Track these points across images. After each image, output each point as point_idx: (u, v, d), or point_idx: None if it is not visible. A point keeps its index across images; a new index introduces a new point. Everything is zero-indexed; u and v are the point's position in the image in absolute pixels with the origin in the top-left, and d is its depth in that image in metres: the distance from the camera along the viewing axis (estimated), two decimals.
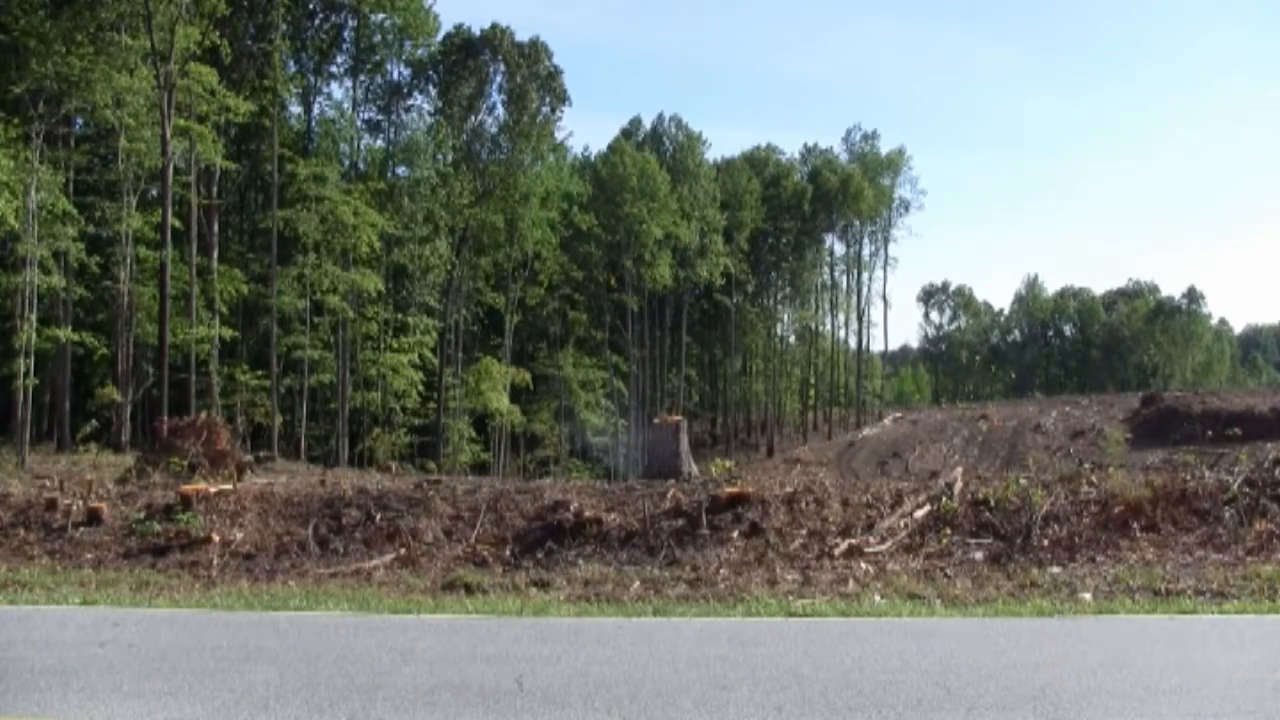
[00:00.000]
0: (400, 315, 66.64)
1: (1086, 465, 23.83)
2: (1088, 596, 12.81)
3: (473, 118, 71.79)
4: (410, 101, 71.26)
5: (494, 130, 72.45)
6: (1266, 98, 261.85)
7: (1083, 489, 17.54)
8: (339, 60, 68.63)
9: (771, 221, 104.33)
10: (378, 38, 67.86)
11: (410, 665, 9.33)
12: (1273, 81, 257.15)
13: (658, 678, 8.89)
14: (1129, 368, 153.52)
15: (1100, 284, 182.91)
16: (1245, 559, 14.60)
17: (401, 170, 70.27)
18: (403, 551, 16.34)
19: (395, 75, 70.81)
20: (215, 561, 16.21)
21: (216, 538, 17.06)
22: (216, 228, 55.86)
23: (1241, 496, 16.63)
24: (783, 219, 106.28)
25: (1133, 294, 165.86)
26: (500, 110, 72.19)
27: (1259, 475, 17.45)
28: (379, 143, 71.66)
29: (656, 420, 27.80)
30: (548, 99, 72.92)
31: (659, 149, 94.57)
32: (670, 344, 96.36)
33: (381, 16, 66.81)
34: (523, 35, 71.98)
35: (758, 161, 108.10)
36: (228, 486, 19.51)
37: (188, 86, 47.36)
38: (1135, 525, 16.00)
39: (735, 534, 16.20)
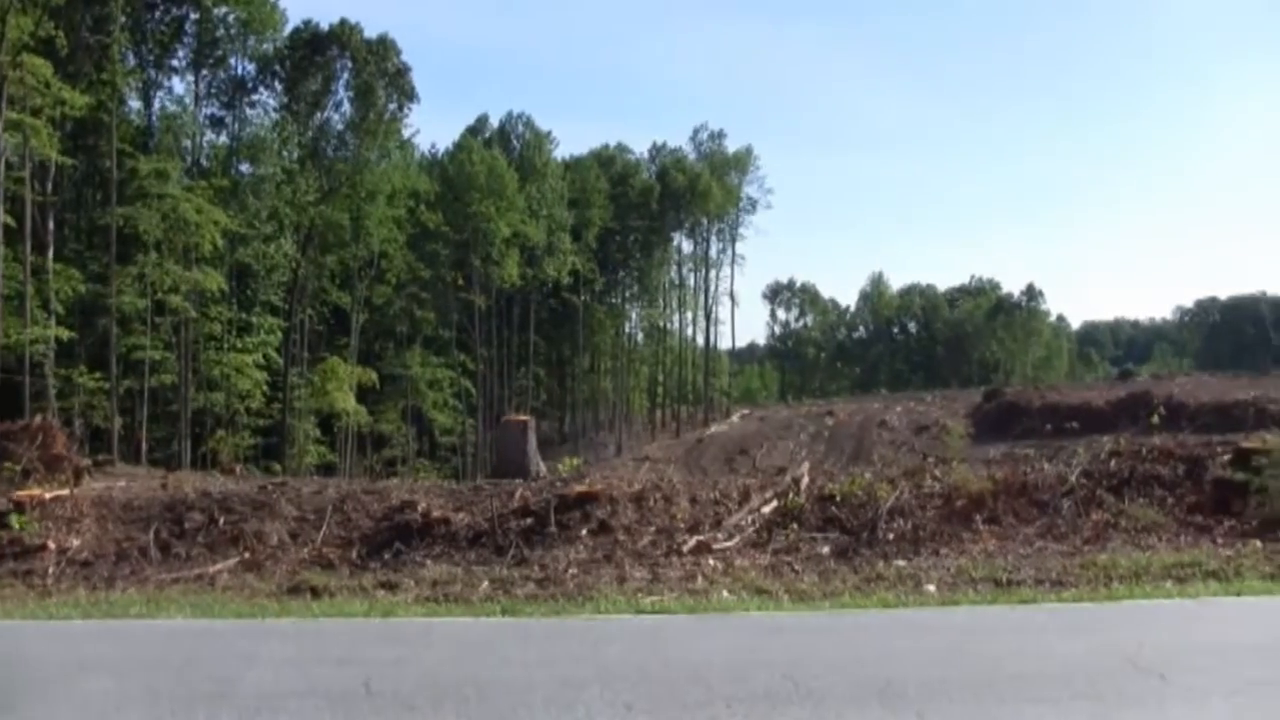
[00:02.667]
0: (244, 315, 65.39)
1: (930, 460, 24.18)
2: (932, 588, 13.01)
3: (319, 114, 71.01)
4: (255, 97, 70.03)
5: (341, 127, 71.84)
6: (1104, 100, 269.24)
7: (927, 483, 17.79)
8: (180, 54, 66.81)
9: (620, 220, 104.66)
10: (221, 31, 66.35)
11: (255, 671, 9.16)
12: (1114, 84, 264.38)
13: (507, 678, 8.86)
14: (972, 363, 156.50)
15: (943, 281, 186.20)
16: (1082, 548, 14.94)
17: (246, 167, 68.86)
18: (247, 555, 16.04)
19: (239, 70, 69.41)
20: (51, 570, 15.74)
21: (52, 545, 16.56)
22: (52, 225, 54.12)
23: (1079, 488, 17.01)
24: (631, 217, 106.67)
25: (975, 291, 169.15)
26: (347, 107, 71.60)
27: (1095, 467, 17.88)
28: (222, 139, 70.28)
29: (504, 419, 27.72)
30: (395, 96, 72.44)
31: (507, 147, 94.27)
32: (518, 343, 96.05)
33: (224, 10, 65.29)
34: (371, 32, 71.44)
35: (606, 160, 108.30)
36: (64, 492, 18.94)
37: (21, 79, 45.95)
38: (978, 518, 16.28)
39: (584, 532, 16.16)
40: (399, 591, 13.71)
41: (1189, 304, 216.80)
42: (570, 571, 14.44)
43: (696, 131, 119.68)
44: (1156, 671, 8.52)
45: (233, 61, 68.84)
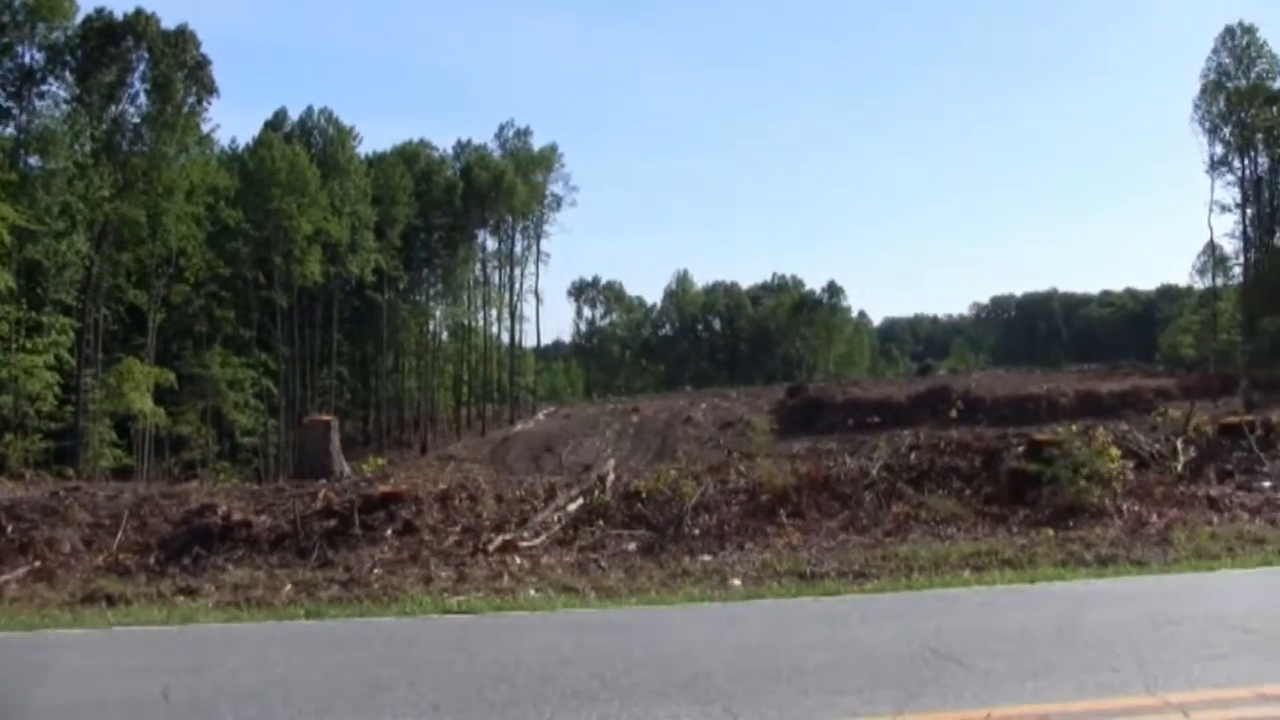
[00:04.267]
0: (34, 314, 62.98)
1: (735, 455, 24.38)
2: (737, 582, 13.14)
3: (114, 107, 68.83)
4: (45, 88, 67.18)
5: (136, 120, 69.66)
6: (907, 100, 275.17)
7: (732, 479, 17.96)
8: None
9: (424, 217, 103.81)
10: (6, 18, 63.68)
11: (47, 684, 8.88)
12: (917, 84, 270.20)
13: (311, 681, 8.73)
14: (775, 360, 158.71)
15: (747, 279, 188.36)
16: (884, 540, 15.23)
17: (34, 161, 66.14)
18: (38, 564, 15.51)
19: (27, 59, 66.47)
20: None
21: None
22: None
23: (880, 481, 17.34)
24: (435, 214, 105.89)
25: (778, 289, 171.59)
26: (144, 100, 69.47)
27: (895, 460, 18.24)
28: (9, 131, 67.31)
29: (307, 419, 27.29)
30: (194, 89, 70.60)
31: (309, 143, 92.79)
32: (321, 341, 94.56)
33: None
34: (169, 22, 69.47)
35: (410, 156, 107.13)
36: None
37: None
38: (782, 512, 16.48)
39: (389, 532, 15.99)
40: (199, 597, 13.40)
41: (985, 301, 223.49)
42: (375, 572, 14.27)
43: (502, 128, 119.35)
44: (955, 657, 8.72)
45: (20, 50, 65.97)
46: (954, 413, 27.65)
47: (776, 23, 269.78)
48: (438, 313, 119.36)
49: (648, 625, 10.99)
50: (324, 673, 9.06)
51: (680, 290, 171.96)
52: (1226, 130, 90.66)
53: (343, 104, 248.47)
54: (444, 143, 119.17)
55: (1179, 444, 18.55)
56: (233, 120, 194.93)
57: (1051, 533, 15.04)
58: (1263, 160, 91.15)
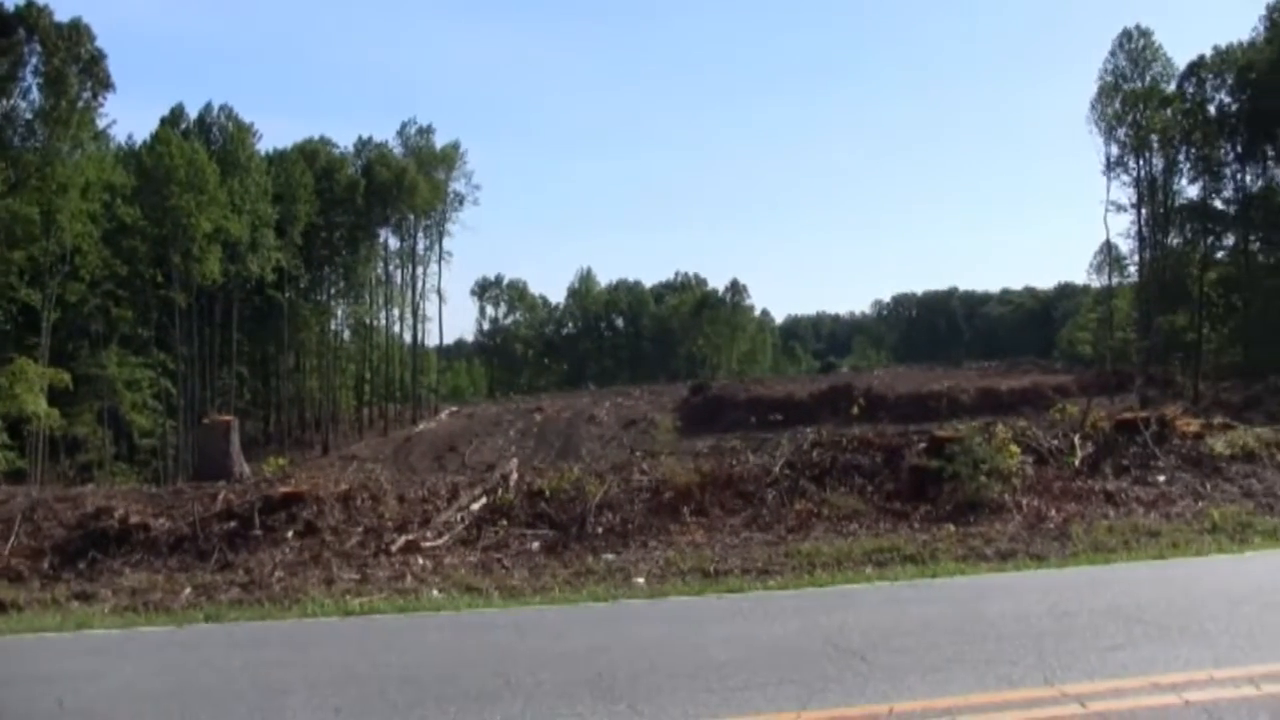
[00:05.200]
0: None
1: (638, 454, 24.44)
2: (641, 580, 13.16)
3: (4, 101, 67.47)
4: None
5: (29, 116, 68.35)
6: (808, 101, 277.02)
7: (635, 477, 17.97)
8: None
9: (325, 215, 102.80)
10: None
11: None
12: (819, 85, 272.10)
13: (210, 686, 8.62)
14: (679, 358, 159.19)
15: (650, 278, 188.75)
16: (787, 537, 15.31)
17: None
18: None
19: None
20: None
21: None
22: None
23: (783, 479, 17.43)
24: (337, 213, 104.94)
25: (680, 287, 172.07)
26: (36, 94, 68.18)
27: (798, 458, 18.33)
28: None
29: (206, 420, 26.96)
30: (89, 84, 69.38)
31: (208, 139, 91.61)
32: (221, 341, 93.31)
33: None
34: (62, 15, 68.16)
35: (311, 154, 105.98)
36: None
37: None
38: (685, 510, 16.52)
39: (290, 534, 15.84)
40: (95, 602, 13.20)
41: (887, 299, 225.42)
42: (276, 574, 14.14)
43: (404, 126, 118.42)
44: (858, 653, 8.78)
45: None
46: (856, 410, 28.00)
47: (679, 23, 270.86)
48: (339, 312, 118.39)
49: (552, 624, 10.96)
50: (223, 676, 8.95)
51: (584, 289, 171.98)
52: (1122, 132, 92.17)
53: (242, 101, 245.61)
54: (345, 140, 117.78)
55: (1077, 440, 18.82)
56: (129, 116, 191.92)
57: (952, 528, 15.20)
58: (1157, 161, 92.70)
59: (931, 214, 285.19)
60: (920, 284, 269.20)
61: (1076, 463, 18.07)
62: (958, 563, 13.23)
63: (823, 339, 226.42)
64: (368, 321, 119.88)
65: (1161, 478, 17.53)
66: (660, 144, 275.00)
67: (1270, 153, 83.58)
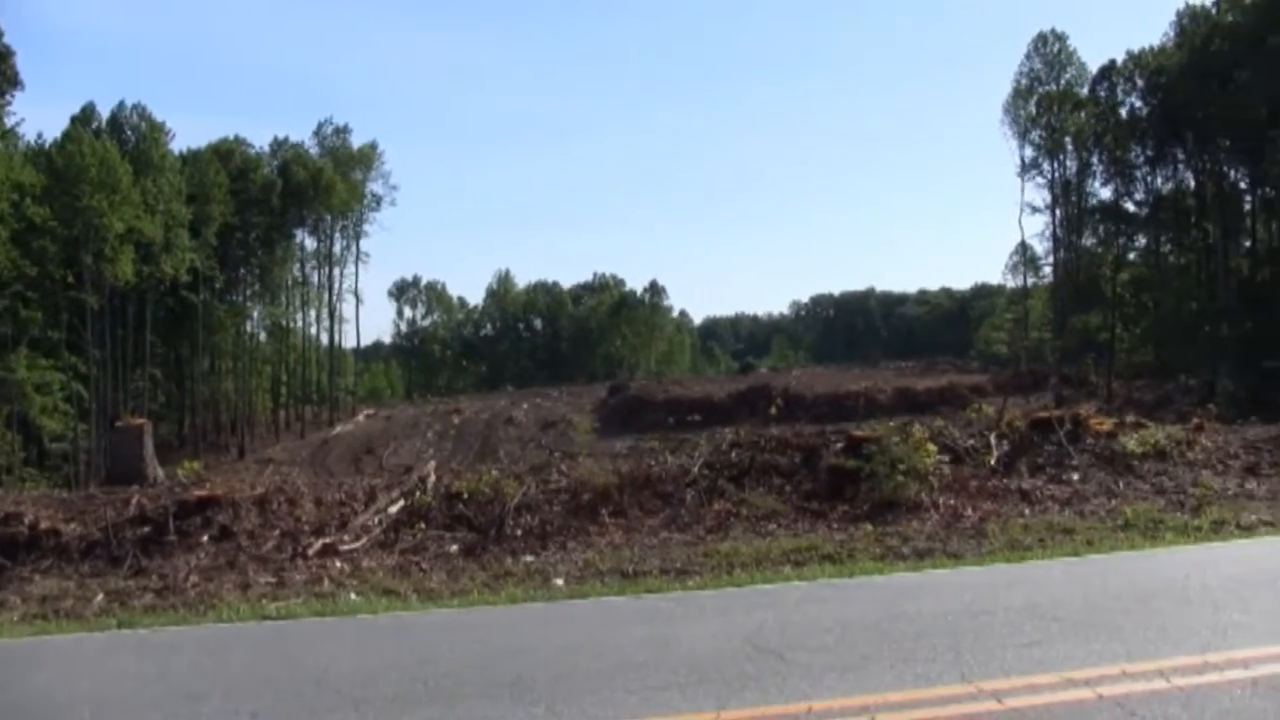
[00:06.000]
0: None
1: (557, 455, 24.44)
2: (560, 582, 13.14)
3: None
4: None
5: None
6: (727, 102, 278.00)
7: (554, 478, 17.99)
8: None
9: (241, 216, 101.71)
10: None
11: None
12: (737, 87, 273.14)
13: (124, 694, 8.52)
14: (597, 359, 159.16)
15: (569, 278, 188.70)
16: (705, 537, 15.37)
17: None
18: None
19: None
20: None
21: None
22: None
23: (701, 479, 17.50)
24: (252, 213, 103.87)
25: (599, 288, 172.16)
26: None
27: (716, 458, 18.42)
28: None
29: (119, 423, 26.61)
30: None
31: (120, 138, 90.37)
32: (134, 343, 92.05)
33: None
34: None
35: (225, 154, 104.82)
36: None
37: None
38: (604, 511, 16.54)
39: (205, 538, 15.68)
40: (3, 610, 12.98)
41: (805, 299, 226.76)
42: (191, 580, 13.99)
43: (320, 126, 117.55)
44: (776, 652, 8.82)
45: None
46: (774, 410, 28.03)
47: (598, 22, 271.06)
48: (255, 313, 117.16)
49: (470, 627, 10.93)
50: (137, 684, 8.84)
51: (502, 290, 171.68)
52: (1036, 134, 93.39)
53: (155, 99, 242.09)
54: (260, 140, 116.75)
55: (993, 439, 19.06)
56: (39, 115, 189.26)
57: (870, 527, 15.32)
58: (1071, 164, 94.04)
59: (849, 215, 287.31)
60: (838, 285, 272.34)
61: (992, 462, 18.30)
62: (875, 561, 13.32)
63: (741, 339, 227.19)
64: (284, 323, 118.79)
65: (1076, 476, 17.78)
66: (578, 145, 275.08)
67: (1180, 156, 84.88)
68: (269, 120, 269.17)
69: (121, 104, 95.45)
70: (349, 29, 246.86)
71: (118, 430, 24.66)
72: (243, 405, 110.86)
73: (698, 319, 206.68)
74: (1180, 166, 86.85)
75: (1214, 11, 79.29)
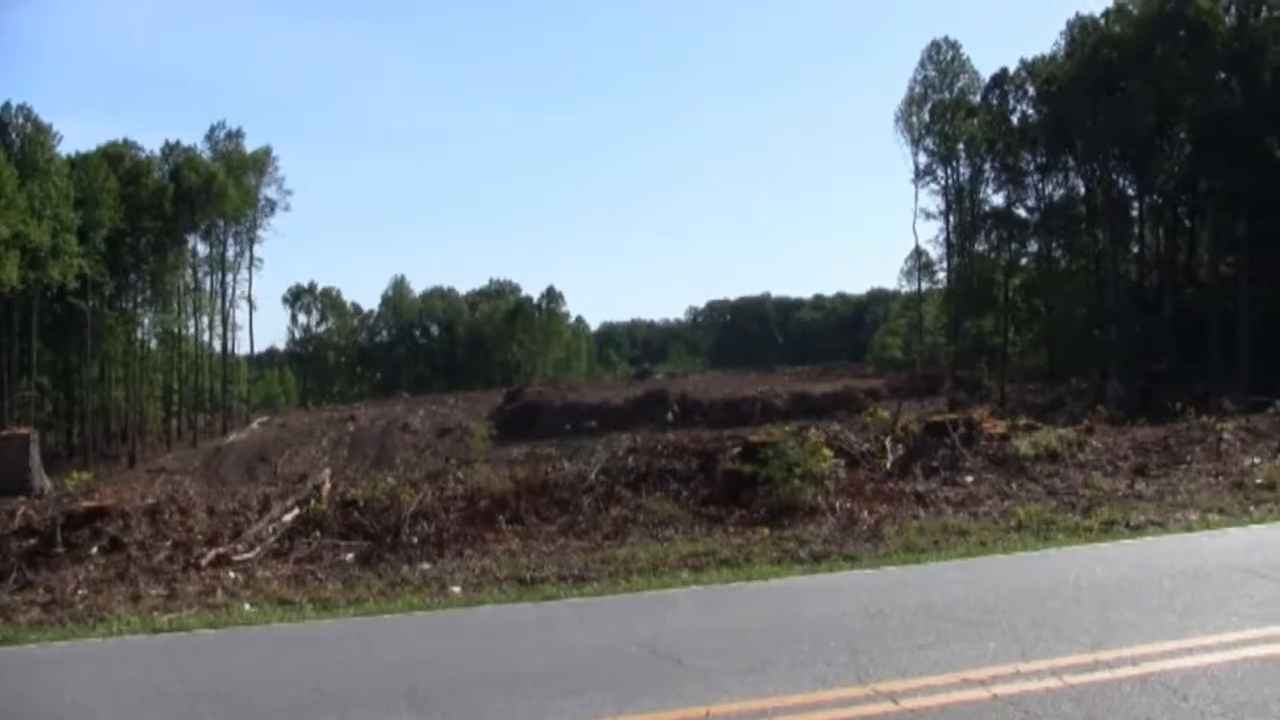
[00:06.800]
0: None
1: (453, 462, 24.33)
2: (457, 590, 13.07)
3: None
4: None
5: None
6: (623, 109, 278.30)
7: (450, 485, 17.91)
8: None
9: (131, 221, 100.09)
10: None
11: None
12: (627, 91, 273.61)
13: (8, 712, 8.37)
14: (494, 365, 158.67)
15: (464, 284, 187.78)
16: (603, 543, 15.36)
17: None
18: None
19: None
20: None
21: None
22: None
23: (598, 485, 17.50)
24: (143, 218, 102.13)
25: (495, 294, 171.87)
26: None
27: (614, 464, 18.43)
28: None
29: (4, 433, 26.11)
30: None
31: (4, 141, 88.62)
32: (20, 351, 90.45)
33: None
34: None
35: (115, 157, 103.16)
36: None
37: None
38: (501, 518, 16.49)
39: (94, 550, 15.41)
40: None
41: (702, 305, 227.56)
42: (79, 593, 13.73)
43: (213, 130, 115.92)
44: (674, 657, 8.84)
45: None
46: (671, 416, 28.10)
47: (491, 25, 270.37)
48: (146, 320, 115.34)
49: (367, 636, 10.85)
50: (21, 701, 8.68)
51: (398, 296, 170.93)
52: (930, 141, 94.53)
53: (41, 101, 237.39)
54: (152, 144, 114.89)
55: (888, 443, 19.25)
56: None
57: (767, 531, 15.40)
58: (964, 170, 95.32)
59: (746, 220, 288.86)
60: (735, 290, 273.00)
61: (888, 465, 18.48)
62: (772, 565, 13.39)
63: (638, 345, 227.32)
64: (176, 330, 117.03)
65: (969, 478, 18.00)
66: (474, 150, 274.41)
67: (1070, 163, 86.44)
68: (160, 124, 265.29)
69: (6, 105, 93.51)
70: (242, 31, 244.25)
71: (2, 440, 24.16)
72: (134, 414, 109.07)
73: (595, 325, 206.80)
74: (1071, 174, 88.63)
75: (1103, 22, 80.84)
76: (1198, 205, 76.29)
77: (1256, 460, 19.01)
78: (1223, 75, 66.32)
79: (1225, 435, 20.31)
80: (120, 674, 9.58)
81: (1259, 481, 17.28)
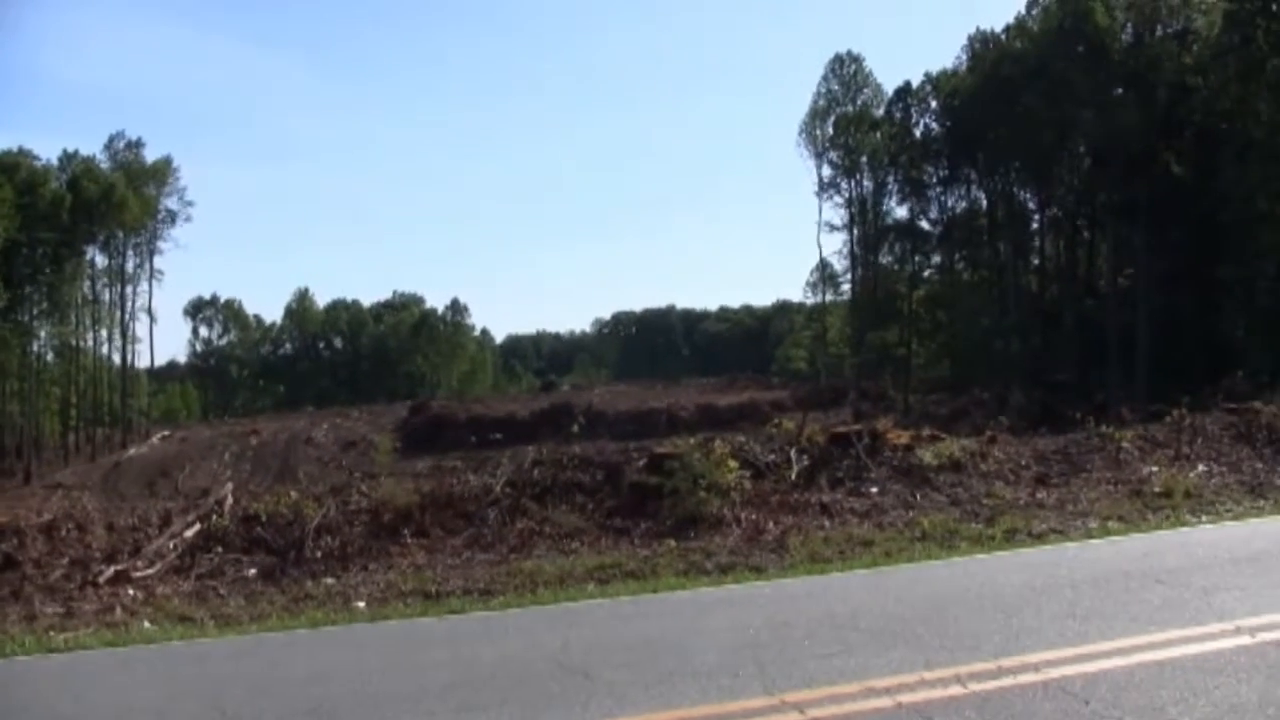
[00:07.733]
0: None
1: (358, 475, 24.18)
2: (362, 604, 12.97)
3: None
4: None
5: None
6: (523, 116, 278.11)
7: (354, 499, 17.79)
8: None
9: (26, 231, 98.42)
10: None
11: None
12: (533, 101, 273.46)
13: None
14: (398, 378, 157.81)
15: (368, 297, 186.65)
16: (509, 556, 15.32)
17: None
18: None
19: None
20: None
21: None
22: None
23: (504, 497, 17.45)
24: (39, 229, 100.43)
25: (399, 306, 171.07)
26: None
27: (519, 476, 18.38)
28: None
29: None
30: None
31: None
32: None
33: None
34: None
35: (10, 167, 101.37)
36: None
37: None
38: (406, 531, 16.41)
39: None
40: None
41: (607, 317, 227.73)
42: None
43: (112, 139, 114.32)
44: (581, 670, 8.82)
45: None
46: (577, 428, 28.13)
47: (392, 37, 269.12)
48: (43, 333, 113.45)
49: (270, 652, 10.74)
50: None
51: (301, 308, 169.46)
52: (834, 154, 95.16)
53: None
54: (49, 153, 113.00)
55: (793, 454, 19.35)
56: None
57: (673, 543, 15.43)
58: (868, 183, 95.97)
59: (651, 232, 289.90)
60: (640, 302, 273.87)
61: (793, 476, 18.57)
62: (679, 577, 13.42)
63: (544, 357, 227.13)
64: (74, 343, 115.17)
65: (874, 489, 18.15)
66: (375, 160, 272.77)
67: (972, 176, 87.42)
68: (57, 133, 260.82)
69: None
70: (142, 41, 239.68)
71: None
72: (29, 428, 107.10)
73: (500, 337, 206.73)
74: (973, 187, 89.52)
75: (1004, 38, 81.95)
76: (1097, 218, 77.48)
77: (1154, 469, 19.36)
78: (1119, 90, 67.38)
79: (1124, 444, 20.66)
80: (14, 696, 9.41)
81: (1157, 489, 17.62)
